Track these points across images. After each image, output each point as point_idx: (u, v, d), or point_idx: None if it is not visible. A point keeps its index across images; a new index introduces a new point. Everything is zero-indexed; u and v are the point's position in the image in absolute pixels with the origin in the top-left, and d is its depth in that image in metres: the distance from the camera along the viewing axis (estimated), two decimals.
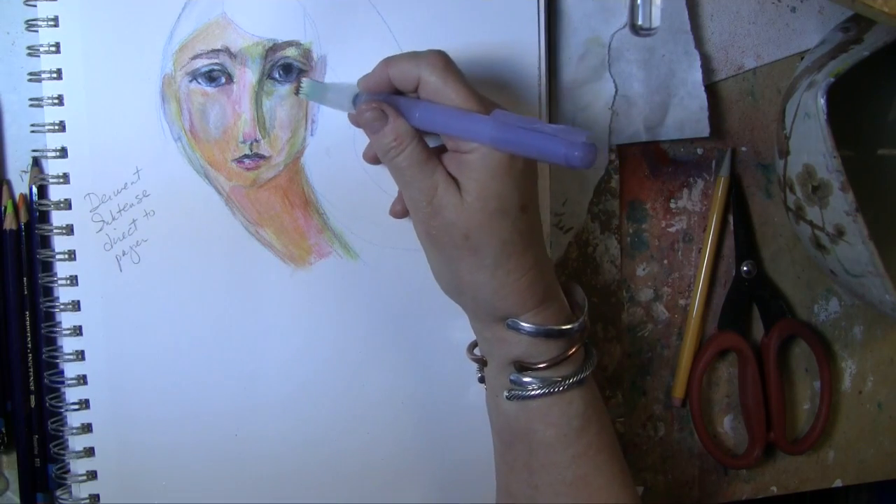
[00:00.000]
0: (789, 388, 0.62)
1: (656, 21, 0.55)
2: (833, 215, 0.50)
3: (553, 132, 0.39)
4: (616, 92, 0.55)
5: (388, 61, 0.44)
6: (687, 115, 0.57)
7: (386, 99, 0.44)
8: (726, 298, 0.60)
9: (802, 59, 0.57)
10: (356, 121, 0.46)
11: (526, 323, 0.44)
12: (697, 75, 0.56)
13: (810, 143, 0.50)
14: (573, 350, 0.46)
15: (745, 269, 0.60)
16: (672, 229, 0.59)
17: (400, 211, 0.49)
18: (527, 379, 0.45)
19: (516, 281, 0.44)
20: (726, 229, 0.60)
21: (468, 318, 0.48)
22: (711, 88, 0.57)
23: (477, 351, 0.49)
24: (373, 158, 0.49)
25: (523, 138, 0.40)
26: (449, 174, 0.43)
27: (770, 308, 0.60)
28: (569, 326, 0.45)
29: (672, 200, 0.59)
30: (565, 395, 0.45)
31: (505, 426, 0.47)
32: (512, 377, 0.45)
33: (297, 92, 0.49)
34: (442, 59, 0.43)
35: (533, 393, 0.45)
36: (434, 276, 0.47)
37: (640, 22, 0.55)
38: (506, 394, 0.46)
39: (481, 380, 0.49)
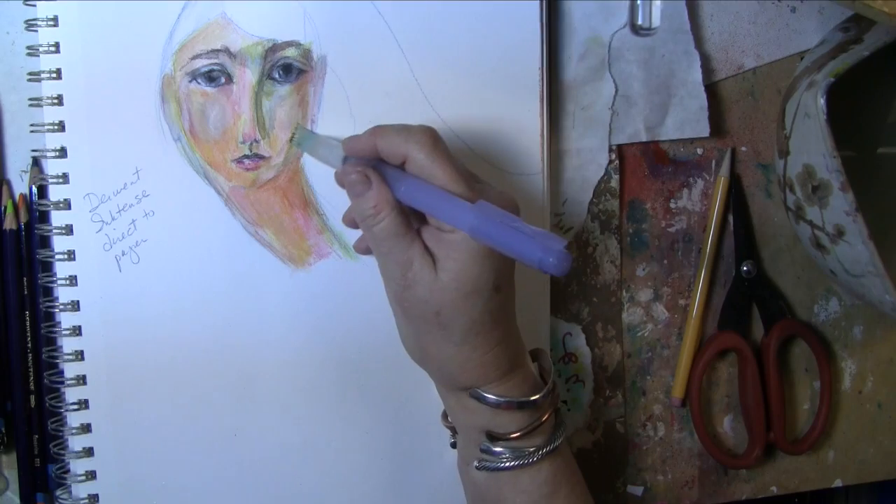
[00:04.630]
0: (789, 388, 0.62)
1: (656, 21, 0.55)
2: (833, 215, 0.50)
3: (531, 234, 0.39)
4: (616, 92, 0.55)
5: (377, 131, 0.43)
6: (687, 115, 0.57)
7: (375, 165, 0.44)
8: (726, 298, 0.60)
9: (802, 59, 0.57)
10: (341, 181, 0.46)
11: (488, 394, 0.44)
12: (697, 75, 0.56)
13: (810, 143, 0.50)
14: (544, 419, 0.45)
15: (745, 269, 0.60)
16: (672, 229, 0.59)
17: (363, 248, 0.49)
18: (498, 449, 0.44)
19: (481, 356, 0.43)
20: (726, 229, 0.60)
21: (434, 385, 0.48)
22: (711, 88, 0.57)
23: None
24: (351, 222, 0.48)
25: (502, 234, 0.40)
26: (426, 249, 0.42)
27: (770, 308, 0.60)
28: (535, 397, 0.45)
29: (672, 200, 0.59)
30: (535, 462, 0.45)
31: (476, 494, 0.46)
32: (483, 446, 0.45)
33: (290, 139, 0.49)
34: (431, 137, 0.42)
35: (504, 465, 0.44)
36: (400, 339, 0.47)
37: (640, 22, 0.55)
38: (475, 464, 0.45)
39: (453, 445, 0.49)
